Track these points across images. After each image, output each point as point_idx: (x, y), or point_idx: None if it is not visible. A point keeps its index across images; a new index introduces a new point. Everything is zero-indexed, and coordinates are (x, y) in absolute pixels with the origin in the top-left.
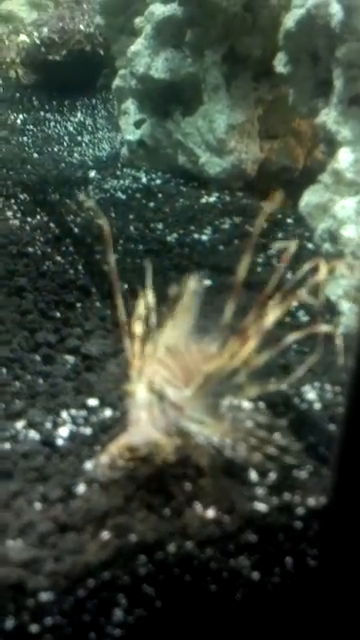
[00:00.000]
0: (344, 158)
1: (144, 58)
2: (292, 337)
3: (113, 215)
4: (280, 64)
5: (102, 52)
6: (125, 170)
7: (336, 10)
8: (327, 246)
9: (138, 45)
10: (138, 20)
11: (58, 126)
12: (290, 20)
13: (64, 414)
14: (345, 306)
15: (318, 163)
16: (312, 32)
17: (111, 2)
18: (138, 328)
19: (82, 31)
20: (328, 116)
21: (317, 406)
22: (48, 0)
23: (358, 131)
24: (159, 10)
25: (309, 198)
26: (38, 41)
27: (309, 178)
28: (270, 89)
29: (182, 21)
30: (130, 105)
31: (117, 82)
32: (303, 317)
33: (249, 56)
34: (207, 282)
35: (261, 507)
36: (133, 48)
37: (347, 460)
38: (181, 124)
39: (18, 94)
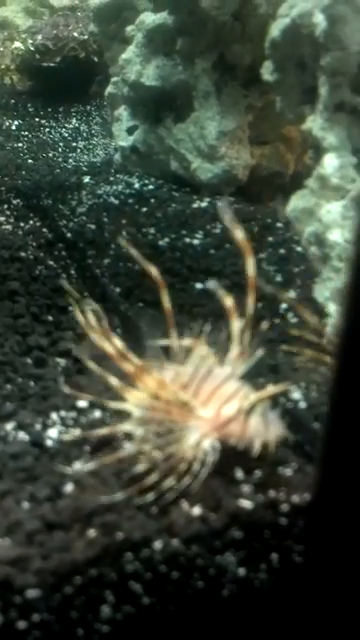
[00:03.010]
0: (329, 163)
1: (135, 66)
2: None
3: (106, 220)
4: (267, 72)
5: (96, 59)
6: (118, 176)
7: (320, 20)
8: (314, 249)
9: (129, 53)
10: (129, 28)
11: (53, 132)
12: (275, 29)
13: (54, 416)
14: (332, 308)
15: (308, 168)
16: (297, 41)
17: (104, 10)
18: None
19: (76, 38)
20: (314, 122)
21: (302, 405)
22: (43, 7)
23: (343, 137)
24: (149, 19)
25: (296, 202)
26: (32, 48)
27: (299, 183)
28: (260, 96)
29: (172, 30)
30: (123, 112)
31: (110, 89)
32: (292, 318)
33: (239, 64)
34: (199, 286)
35: None
36: (125, 56)
37: (331, 457)
38: (173, 130)
39: (13, 100)
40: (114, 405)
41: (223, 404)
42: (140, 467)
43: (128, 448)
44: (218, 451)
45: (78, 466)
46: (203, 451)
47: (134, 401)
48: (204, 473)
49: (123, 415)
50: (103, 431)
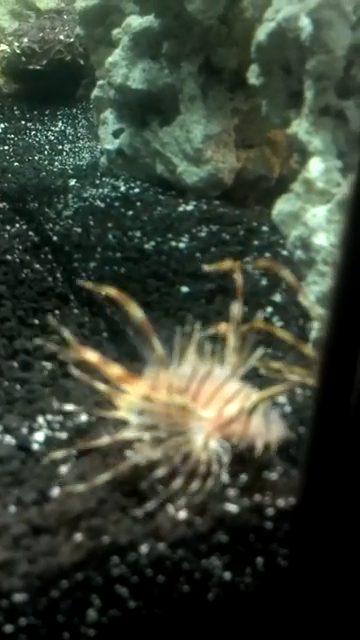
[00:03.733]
0: (315, 168)
1: (122, 69)
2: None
3: (92, 223)
4: (253, 76)
5: (82, 62)
6: (104, 179)
7: (305, 24)
8: (299, 253)
9: (116, 56)
10: (116, 32)
11: (39, 135)
12: (262, 33)
13: (40, 419)
14: (317, 312)
15: (294, 172)
16: (283, 45)
17: (90, 13)
18: None
19: (62, 41)
20: (300, 127)
21: (287, 409)
22: (29, 10)
23: (329, 141)
24: (136, 22)
25: (281, 207)
26: (19, 51)
27: (285, 186)
28: (246, 99)
29: (158, 33)
30: (109, 115)
31: (96, 92)
32: (278, 322)
33: (225, 67)
34: (184, 289)
35: None
36: (111, 59)
37: (315, 461)
38: (159, 134)
39: None
40: (109, 414)
41: (225, 404)
42: (160, 472)
43: (136, 455)
44: (229, 451)
45: (64, 469)
46: (214, 452)
47: (127, 406)
48: (223, 473)
49: (111, 419)
50: (106, 440)
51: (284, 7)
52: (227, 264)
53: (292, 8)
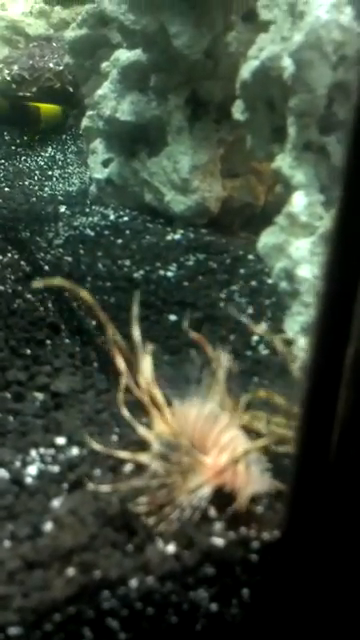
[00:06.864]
0: (298, 202)
1: (110, 101)
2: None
3: (82, 252)
4: (238, 111)
5: (71, 89)
6: (94, 207)
7: (288, 64)
8: (284, 284)
9: (105, 89)
10: (104, 65)
11: (29, 160)
12: (246, 71)
13: (33, 452)
14: (302, 341)
15: (279, 198)
16: (266, 82)
17: (79, 43)
18: None
19: (52, 69)
20: (283, 161)
21: None
22: (19, 35)
23: (311, 175)
24: (124, 56)
25: (266, 239)
26: (9, 78)
27: (270, 214)
28: (231, 130)
29: (146, 66)
30: (98, 145)
31: (86, 122)
32: (263, 351)
33: (211, 100)
34: (172, 317)
35: None
36: (100, 92)
37: (301, 492)
38: (147, 164)
39: None
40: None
41: (221, 451)
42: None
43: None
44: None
45: (56, 504)
46: (198, 498)
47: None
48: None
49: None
50: (126, 455)
51: (267, 46)
52: None
53: (275, 48)
